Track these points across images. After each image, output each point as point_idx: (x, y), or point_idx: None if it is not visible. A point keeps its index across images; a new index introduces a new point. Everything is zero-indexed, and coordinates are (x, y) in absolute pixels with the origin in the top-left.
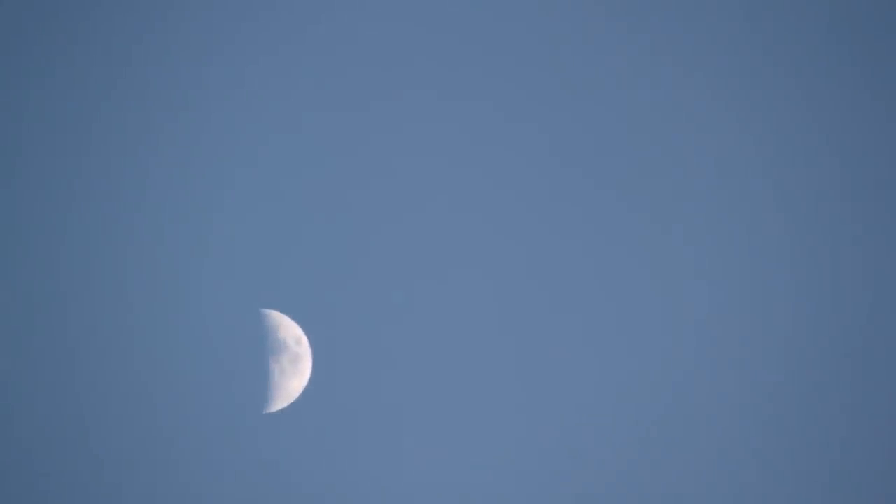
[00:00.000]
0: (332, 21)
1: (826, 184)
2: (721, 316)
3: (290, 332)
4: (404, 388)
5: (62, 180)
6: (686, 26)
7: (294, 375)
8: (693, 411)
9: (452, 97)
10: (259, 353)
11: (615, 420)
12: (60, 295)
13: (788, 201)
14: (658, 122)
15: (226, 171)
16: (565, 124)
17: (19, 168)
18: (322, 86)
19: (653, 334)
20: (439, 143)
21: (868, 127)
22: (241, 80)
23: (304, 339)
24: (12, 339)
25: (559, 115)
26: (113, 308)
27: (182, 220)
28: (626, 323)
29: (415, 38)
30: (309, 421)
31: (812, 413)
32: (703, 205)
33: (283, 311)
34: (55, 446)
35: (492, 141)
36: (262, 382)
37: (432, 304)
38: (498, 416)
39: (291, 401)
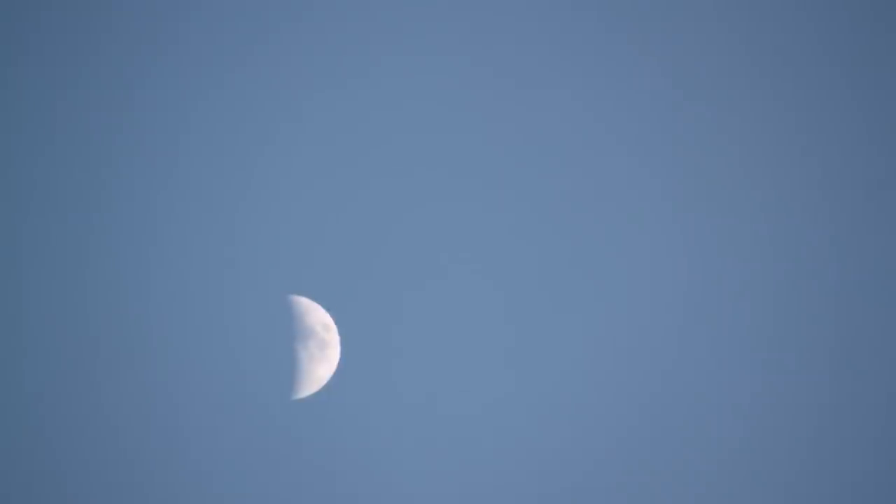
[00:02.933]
0: (366, 13)
1: (824, 183)
2: (718, 313)
3: (319, 318)
4: (432, 374)
5: (97, 167)
6: (683, 27)
7: (322, 362)
8: (689, 410)
9: (485, 90)
10: (287, 340)
11: (616, 415)
12: (88, 283)
13: (786, 200)
14: (655, 121)
15: (258, 159)
16: (571, 123)
17: (51, 159)
18: (361, 74)
19: (651, 332)
20: (469, 137)
21: (866, 127)
22: (280, 68)
23: (333, 326)
24: (44, 327)
25: (564, 114)
26: (142, 294)
27: (213, 206)
28: (626, 320)
29: (451, 31)
30: (337, 407)
31: (810, 412)
32: (701, 204)
33: (312, 297)
34: (83, 435)
35: (513, 138)
36: (290, 369)
37: (461, 293)
38: (524, 399)
39: (319, 387)
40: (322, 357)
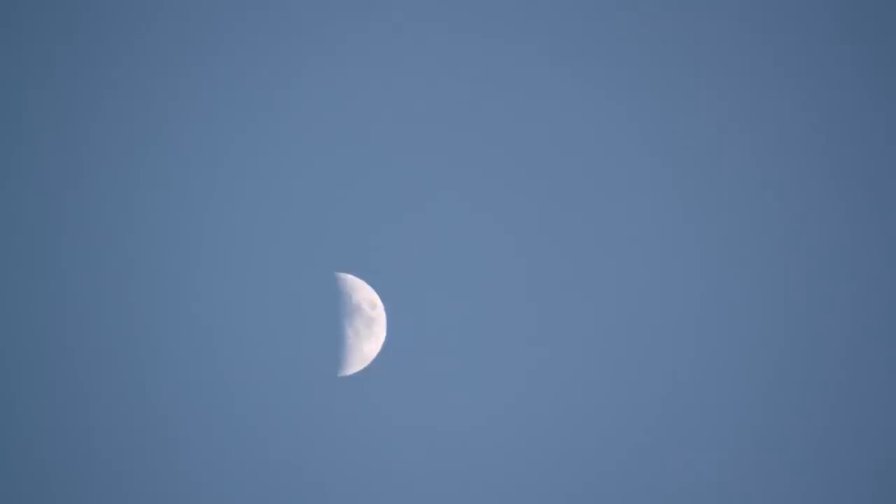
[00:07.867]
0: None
1: (824, 182)
2: (717, 313)
3: (366, 295)
4: (477, 351)
5: (137, 150)
6: (683, 26)
7: (369, 339)
8: (692, 411)
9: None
10: (334, 317)
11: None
12: (132, 257)
13: (785, 201)
14: (655, 120)
15: (303, 139)
16: (579, 123)
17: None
18: (415, 65)
19: (650, 332)
20: (517, 124)
21: (870, 128)
22: (331, 48)
23: (379, 303)
24: (80, 309)
25: (568, 113)
26: (188, 272)
27: (258, 183)
28: (631, 317)
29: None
30: (384, 384)
31: (814, 413)
32: (705, 203)
33: (358, 274)
34: (129, 409)
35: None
36: (337, 346)
37: (507, 271)
38: (574, 378)
39: (366, 364)
40: (369, 334)
